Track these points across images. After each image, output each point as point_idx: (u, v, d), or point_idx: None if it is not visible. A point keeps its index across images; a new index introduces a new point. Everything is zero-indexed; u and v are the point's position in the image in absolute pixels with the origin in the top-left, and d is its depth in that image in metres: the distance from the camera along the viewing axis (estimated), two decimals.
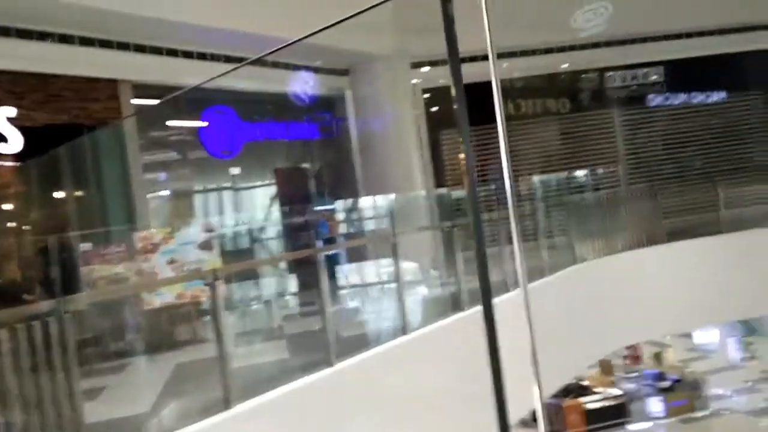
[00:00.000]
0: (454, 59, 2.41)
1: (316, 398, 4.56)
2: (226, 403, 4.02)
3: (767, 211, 10.95)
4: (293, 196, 10.56)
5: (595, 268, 8.77)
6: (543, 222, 8.88)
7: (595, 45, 12.56)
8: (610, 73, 13.16)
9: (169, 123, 9.49)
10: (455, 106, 2.37)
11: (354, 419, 4.67)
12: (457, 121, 2.44)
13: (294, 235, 9.87)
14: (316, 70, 10.88)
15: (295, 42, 3.32)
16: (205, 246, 6.81)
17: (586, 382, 11.48)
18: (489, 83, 2.32)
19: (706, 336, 14.28)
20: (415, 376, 5.46)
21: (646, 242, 9.43)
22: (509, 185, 2.34)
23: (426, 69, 11.84)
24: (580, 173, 11.63)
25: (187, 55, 8.97)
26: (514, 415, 6.38)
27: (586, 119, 12.93)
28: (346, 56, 10.75)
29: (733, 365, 13.40)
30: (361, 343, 5.95)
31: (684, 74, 13.19)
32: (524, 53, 12.22)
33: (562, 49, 12.45)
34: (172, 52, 8.76)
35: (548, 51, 12.38)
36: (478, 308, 6.10)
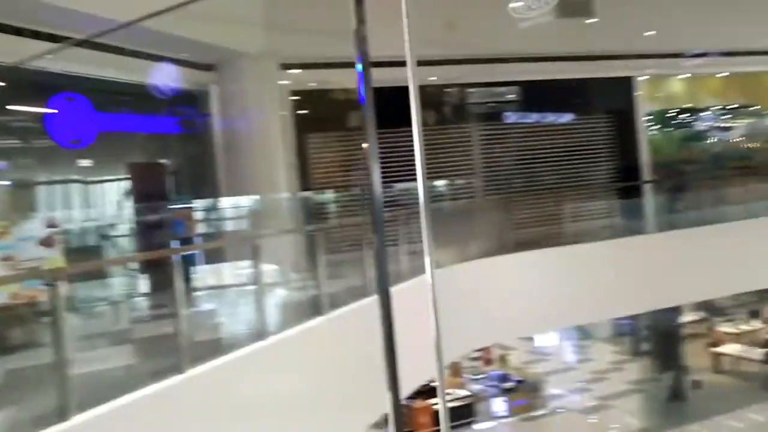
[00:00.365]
0: (366, 63, 2.40)
1: (166, 408, 4.37)
2: (62, 414, 3.74)
3: (604, 225, 11.97)
4: (149, 192, 10.03)
5: (448, 274, 9.13)
6: (403, 228, 9.09)
7: (459, 62, 13.12)
8: (471, 89, 13.79)
9: (11, 107, 8.69)
10: (365, 109, 2.35)
11: (207, 430, 4.54)
12: (364, 123, 2.43)
13: (147, 233, 9.39)
14: (180, 62, 10.45)
15: (129, 24, 3.17)
16: (47, 243, 6.31)
17: (435, 383, 11.92)
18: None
19: (546, 339, 15.35)
20: (274, 383, 5.40)
21: (498, 251, 9.97)
22: (422, 189, 2.33)
23: (297, 71, 11.78)
24: (439, 183, 12.06)
25: (35, 35, 8.27)
26: (369, 418, 6.51)
27: (448, 132, 13.45)
28: (212, 51, 10.43)
29: (569, 367, 14.53)
30: (216, 348, 5.79)
31: (538, 95, 14.11)
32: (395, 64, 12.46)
33: (429, 63, 12.85)
34: (18, 31, 8.05)
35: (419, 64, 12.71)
36: (338, 312, 6.16)
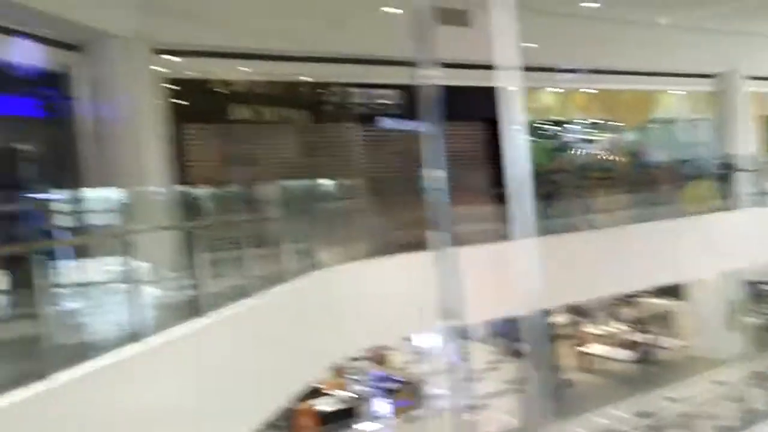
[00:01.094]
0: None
1: (24, 420, 3.80)
2: None
3: (482, 229, 12.26)
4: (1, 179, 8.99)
5: (332, 274, 8.95)
6: (286, 227, 8.78)
7: (341, 60, 12.99)
8: (354, 90, 13.69)
9: None
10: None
11: None
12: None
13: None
14: (40, 39, 9.48)
15: None
16: None
17: (318, 385, 11.69)
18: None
19: (426, 339, 15.51)
20: (148, 390, 4.92)
21: (380, 252, 9.92)
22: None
23: (176, 59, 11.10)
24: (325, 182, 11.83)
25: None
26: (251, 424, 6.13)
27: (329, 131, 13.27)
28: (77, 30, 9.56)
29: (449, 367, 14.74)
30: (81, 351, 5.21)
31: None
32: (265, 57, 12.14)
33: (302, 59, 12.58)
34: None
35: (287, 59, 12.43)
36: (222, 312, 5.74)
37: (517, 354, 14.93)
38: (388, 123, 13.91)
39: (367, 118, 13.73)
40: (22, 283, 7.93)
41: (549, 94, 17.52)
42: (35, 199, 8.31)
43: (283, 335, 7.25)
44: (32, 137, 9.87)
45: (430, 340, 15.35)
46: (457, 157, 14.40)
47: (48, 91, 9.85)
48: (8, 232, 8.40)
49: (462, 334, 16.62)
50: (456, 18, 13.37)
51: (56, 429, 3.98)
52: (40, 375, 3.99)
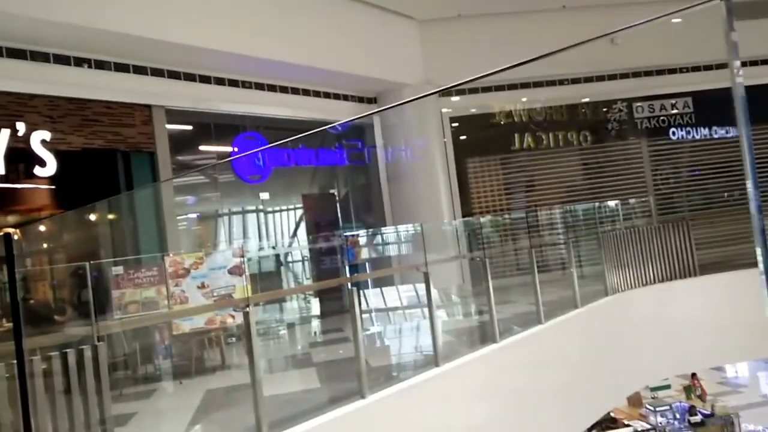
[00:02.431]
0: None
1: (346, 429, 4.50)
2: None
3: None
4: (321, 221, 10.61)
5: (627, 298, 8.64)
6: (573, 251, 8.76)
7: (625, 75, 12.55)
8: (639, 103, 13.08)
9: (201, 147, 9.59)
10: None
11: None
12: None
13: (321, 259, 9.92)
14: (345, 98, 11.00)
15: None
16: (235, 271, 6.82)
17: (614, 414, 11.25)
18: None
19: (737, 370, 13.96)
20: (447, 410, 5.37)
21: (678, 274, 9.29)
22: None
23: (458, 98, 11.94)
24: (611, 202, 11.57)
25: (219, 81, 9.09)
26: None
27: (613, 149, 12.85)
28: (375, 84, 10.86)
29: (765, 400, 13.06)
30: (389, 373, 5.91)
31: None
32: (543, 84, 12.28)
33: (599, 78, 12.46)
34: (205, 79, 8.89)
35: (566, 82, 12.40)
36: (509, 340, 5.98)
37: None
38: (677, 134, 13.00)
39: (654, 131, 13.02)
40: (330, 310, 9.26)
41: None
42: (347, 235, 9.57)
43: (577, 362, 7.22)
44: (342, 183, 11.45)
45: (743, 369, 13.79)
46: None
47: (353, 141, 11.32)
48: (323, 264, 9.89)
49: None
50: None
51: None
52: (359, 393, 4.67)
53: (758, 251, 2.07)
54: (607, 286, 8.48)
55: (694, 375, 12.25)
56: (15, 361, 3.23)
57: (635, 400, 11.83)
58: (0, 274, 7.08)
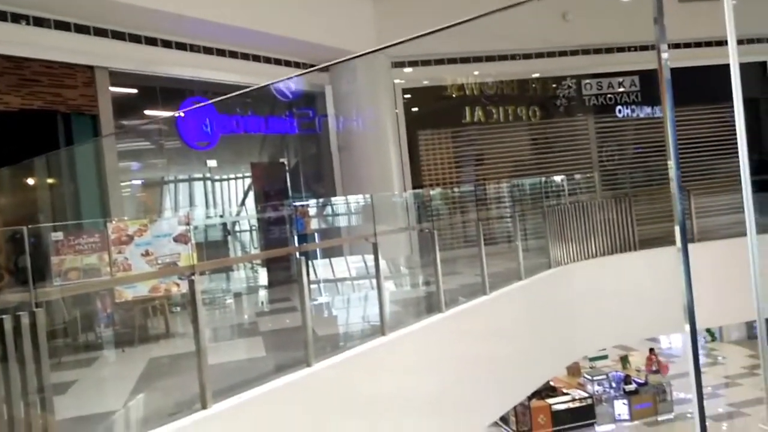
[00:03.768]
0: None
1: (294, 399, 4.52)
2: (202, 402, 3.95)
3: (736, 221, 11.15)
4: (270, 190, 10.49)
5: (569, 272, 8.88)
6: (518, 225, 8.92)
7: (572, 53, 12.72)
8: (587, 81, 13.30)
9: (147, 112, 9.32)
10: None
11: (332, 422, 4.64)
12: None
13: (269, 229, 9.82)
14: (296, 65, 10.82)
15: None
16: (181, 239, 6.70)
17: (553, 383, 11.64)
18: None
19: (670, 341, 14.59)
20: (392, 380, 5.45)
21: (619, 249, 9.58)
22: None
23: (411, 69, 11.89)
24: (557, 178, 11.82)
25: (166, 44, 8.82)
26: (489, 418, 6.41)
27: (561, 125, 13.08)
28: (326, 52, 10.70)
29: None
30: (336, 342, 5.95)
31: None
32: (495, 59, 12.35)
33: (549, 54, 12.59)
34: (151, 41, 8.61)
35: (517, 57, 12.52)
36: (454, 309, 6.07)
37: None
38: (623, 112, 13.30)
39: (601, 108, 13.29)
40: (283, 279, 9.24)
41: None
42: (297, 205, 9.51)
43: (519, 332, 7.41)
44: (291, 152, 11.33)
45: (676, 341, 14.42)
46: (701, 143, 13.28)
47: (304, 110, 11.19)
48: (271, 234, 9.82)
49: (714, 336, 15.32)
50: None
51: (317, 404, 4.64)
52: (305, 362, 4.68)
53: (677, 229, 2.16)
54: (551, 259, 8.69)
55: (651, 350, 12.71)
56: None
57: (574, 370, 12.27)
58: None
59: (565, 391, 11.46)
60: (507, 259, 8.26)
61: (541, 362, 8.06)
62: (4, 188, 7.70)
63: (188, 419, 3.82)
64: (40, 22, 7.44)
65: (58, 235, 6.43)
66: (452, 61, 12.06)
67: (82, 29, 7.83)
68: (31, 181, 7.88)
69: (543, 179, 10.01)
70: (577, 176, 10.94)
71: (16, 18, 7.23)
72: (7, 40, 7.13)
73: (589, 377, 11.98)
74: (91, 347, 6.55)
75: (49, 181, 8.01)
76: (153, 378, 5.30)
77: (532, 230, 9.32)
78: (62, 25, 7.64)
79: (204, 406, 3.93)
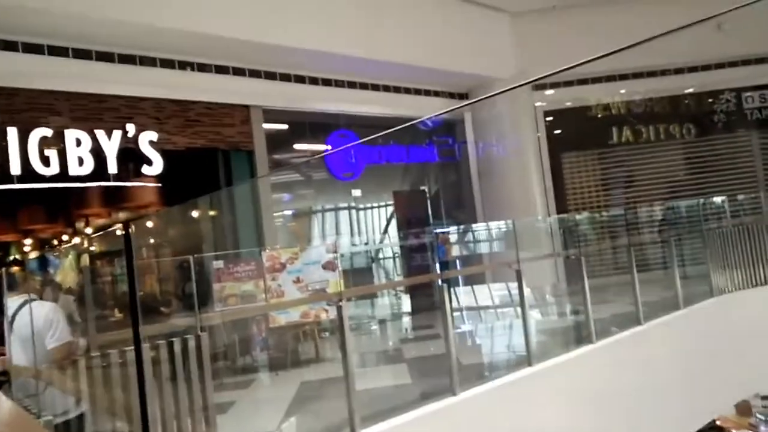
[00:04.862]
0: None
1: (439, 428, 4.50)
2: (351, 427, 4.03)
3: None
4: (411, 217, 10.66)
5: (735, 300, 8.17)
6: (675, 250, 8.35)
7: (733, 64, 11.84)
8: (749, 93, 12.30)
9: (296, 146, 9.87)
10: None
11: None
12: None
13: (412, 256, 9.97)
14: (436, 93, 10.97)
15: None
16: (329, 266, 6.96)
17: (719, 423, 10.65)
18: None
19: None
20: (540, 411, 5.26)
21: None
22: None
23: (553, 91, 11.65)
24: (717, 199, 10.99)
25: (313, 81, 9.30)
26: None
27: (719, 143, 12.16)
28: (466, 79, 10.76)
29: None
30: (480, 372, 5.86)
31: None
32: (644, 75, 11.77)
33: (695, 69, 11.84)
34: (300, 79, 9.12)
35: (668, 72, 11.81)
36: (606, 341, 5.78)
37: None
38: None
39: (766, 122, 12.21)
40: (420, 307, 9.30)
41: None
42: (439, 232, 9.57)
43: (677, 366, 6.90)
44: (432, 179, 11.45)
45: None
46: None
47: (444, 138, 11.29)
48: (414, 261, 9.93)
49: None
50: None
51: None
52: (450, 391, 4.66)
53: None
54: (713, 287, 8.04)
55: None
56: (131, 348, 3.42)
57: (743, 409, 11.14)
58: (113, 267, 7.58)
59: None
60: (662, 287, 7.76)
61: (704, 399, 7.41)
62: (173, 221, 8.44)
63: None
64: (202, 67, 8.14)
65: (219, 264, 6.93)
66: (596, 80, 11.65)
67: (238, 71, 8.47)
68: (195, 214, 8.57)
69: (701, 201, 9.32)
70: (740, 197, 10.07)
71: (183, 65, 7.97)
72: (175, 86, 7.87)
73: (763, 417, 10.84)
74: (248, 370, 6.94)
75: (211, 213, 8.66)
76: (304, 401, 5.50)
77: (689, 256, 8.70)
78: (221, 69, 8.31)
79: (353, 431, 4.02)
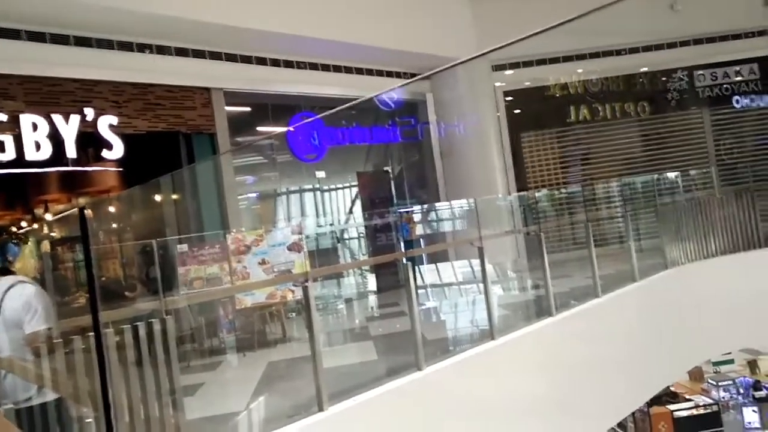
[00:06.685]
0: None
1: (405, 403, 4.62)
2: (318, 405, 4.12)
3: None
4: (375, 198, 10.75)
5: (688, 272, 8.48)
6: (630, 225, 8.62)
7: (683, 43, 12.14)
8: (700, 72, 12.65)
9: (259, 128, 9.84)
10: None
11: (442, 426, 4.70)
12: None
13: (376, 236, 10.07)
14: (398, 75, 11.02)
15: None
16: (294, 248, 7.01)
17: (674, 389, 11.08)
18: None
19: None
20: (502, 383, 5.44)
21: (742, 247, 9.04)
22: None
23: (512, 71, 11.80)
24: (670, 174, 11.31)
25: (275, 63, 9.26)
26: (605, 424, 6.25)
27: (672, 120, 12.49)
28: (427, 60, 10.81)
29: None
30: (444, 346, 6.01)
31: None
32: (600, 55, 12.00)
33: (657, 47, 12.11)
34: (261, 61, 9.07)
35: (623, 52, 12.07)
36: (569, 312, 5.98)
37: None
38: (741, 102, 12.53)
39: (716, 100, 12.58)
40: (385, 285, 9.42)
41: None
42: (402, 212, 9.68)
43: (634, 336, 7.16)
44: (396, 160, 11.54)
45: None
46: None
47: (406, 118, 11.37)
48: (378, 241, 10.04)
49: None
50: None
51: (429, 407, 4.72)
52: (416, 366, 4.78)
53: None
54: (667, 259, 8.33)
55: None
56: (92, 334, 3.44)
57: (696, 375, 11.61)
58: (74, 253, 7.50)
59: (687, 397, 10.87)
60: (619, 261, 8.01)
61: (659, 367, 7.73)
62: (135, 205, 8.37)
63: (306, 421, 4.01)
64: (162, 50, 8.04)
65: (183, 248, 6.92)
66: (554, 60, 11.84)
67: (198, 54, 8.39)
68: (158, 198, 8.50)
69: (655, 177, 9.61)
70: (693, 172, 10.41)
71: (141, 48, 7.86)
72: (134, 68, 7.77)
73: (714, 383, 11.30)
74: (215, 352, 6.98)
75: (174, 197, 8.61)
76: (272, 381, 5.58)
77: (644, 230, 8.98)
78: (181, 51, 8.22)
79: (321, 409, 4.11)
